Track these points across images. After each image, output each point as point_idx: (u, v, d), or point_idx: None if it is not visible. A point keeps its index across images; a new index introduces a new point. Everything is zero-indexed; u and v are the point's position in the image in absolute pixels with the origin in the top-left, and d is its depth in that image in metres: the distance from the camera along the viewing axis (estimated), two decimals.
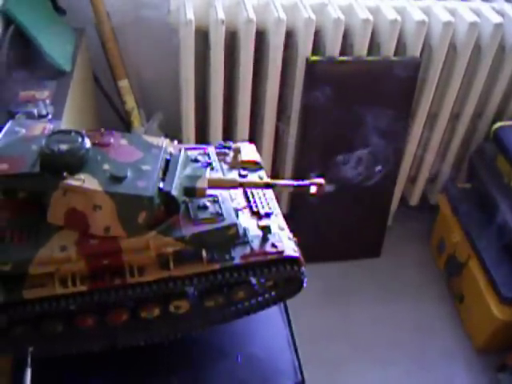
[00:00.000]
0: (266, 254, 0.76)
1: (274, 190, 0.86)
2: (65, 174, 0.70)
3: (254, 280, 0.80)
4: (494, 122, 1.82)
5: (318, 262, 1.77)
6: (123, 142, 0.77)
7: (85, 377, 0.83)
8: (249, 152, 0.91)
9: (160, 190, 0.72)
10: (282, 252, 0.77)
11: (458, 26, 1.60)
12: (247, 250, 0.76)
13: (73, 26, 1.58)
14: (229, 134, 1.75)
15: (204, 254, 0.74)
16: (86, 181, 0.70)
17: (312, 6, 1.54)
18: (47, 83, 1.32)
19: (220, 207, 0.77)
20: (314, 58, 1.56)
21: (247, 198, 0.84)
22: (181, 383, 0.84)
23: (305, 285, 0.81)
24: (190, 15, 1.46)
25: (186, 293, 0.79)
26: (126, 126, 1.78)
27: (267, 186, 0.80)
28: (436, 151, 1.89)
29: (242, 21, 1.49)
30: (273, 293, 0.84)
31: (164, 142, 0.79)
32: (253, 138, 1.75)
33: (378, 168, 1.45)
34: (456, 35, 1.62)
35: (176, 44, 1.53)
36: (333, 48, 1.56)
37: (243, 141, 0.97)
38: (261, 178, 0.86)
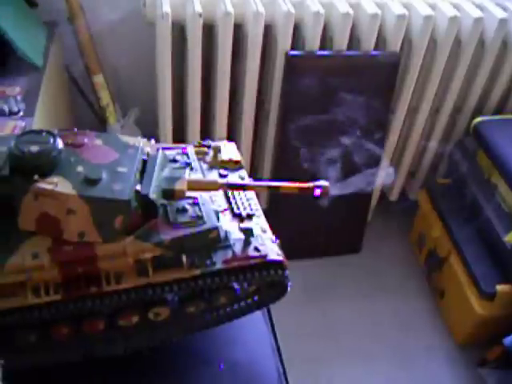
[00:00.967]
0: (249, 258, 0.73)
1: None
2: (36, 177, 0.65)
3: (236, 285, 0.78)
4: (473, 117, 1.81)
5: (297, 258, 1.75)
6: (98, 142, 0.73)
7: None
8: (229, 151, 0.88)
9: (137, 192, 0.68)
10: (265, 256, 0.74)
11: (439, 20, 1.59)
12: (229, 254, 0.73)
13: (45, 19, 1.53)
14: (207, 129, 1.72)
15: (184, 259, 0.71)
16: (58, 184, 0.66)
17: None
18: (18, 79, 1.28)
19: (200, 210, 0.73)
20: (294, 52, 1.54)
21: (227, 198, 0.81)
22: None
23: (289, 289, 0.79)
24: (167, 8, 1.43)
25: (165, 299, 0.76)
26: (101, 123, 1.73)
27: (270, 189, 0.76)
28: (416, 146, 1.88)
29: (220, 14, 1.46)
30: (256, 297, 0.82)
31: (141, 141, 0.76)
32: (231, 134, 1.72)
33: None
34: (436, 30, 1.61)
35: (152, 38, 1.50)
36: (312, 42, 1.54)
37: (223, 139, 0.94)
38: (242, 178, 0.83)
